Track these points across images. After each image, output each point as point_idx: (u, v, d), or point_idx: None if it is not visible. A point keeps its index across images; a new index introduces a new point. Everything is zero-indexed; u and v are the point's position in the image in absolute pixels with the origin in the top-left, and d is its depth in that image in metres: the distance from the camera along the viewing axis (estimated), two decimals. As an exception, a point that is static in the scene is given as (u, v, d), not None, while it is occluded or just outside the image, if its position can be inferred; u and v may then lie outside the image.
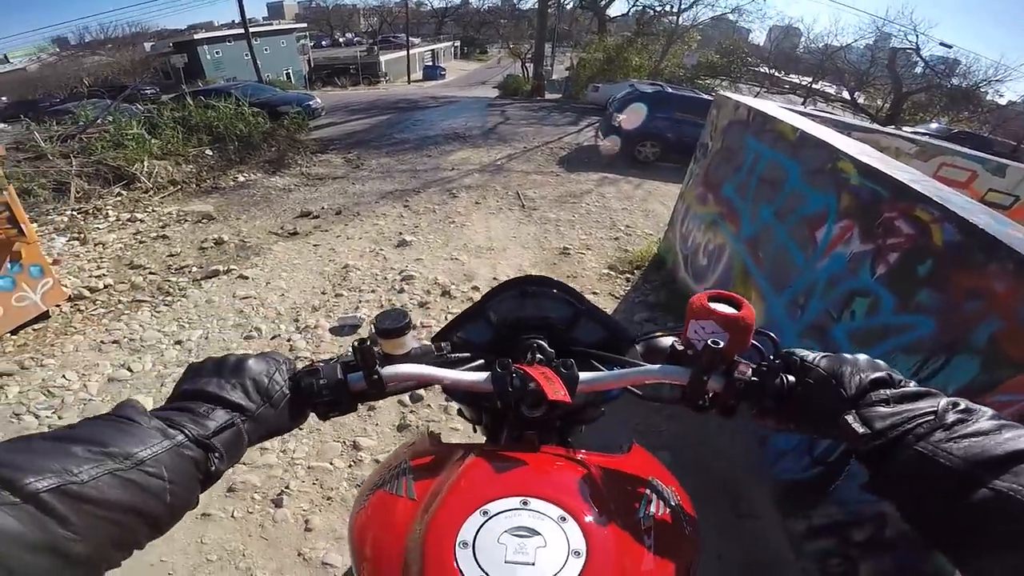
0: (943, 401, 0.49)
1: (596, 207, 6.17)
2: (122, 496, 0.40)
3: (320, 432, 2.54)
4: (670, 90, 9.98)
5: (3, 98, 22.84)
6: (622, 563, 0.50)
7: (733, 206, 3.19)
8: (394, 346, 0.66)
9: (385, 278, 4.09)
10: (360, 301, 3.74)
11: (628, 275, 4.30)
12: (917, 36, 21.56)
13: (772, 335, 0.65)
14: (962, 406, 0.49)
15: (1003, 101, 24.50)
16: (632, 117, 8.94)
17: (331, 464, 2.39)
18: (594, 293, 3.99)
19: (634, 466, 0.68)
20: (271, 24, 42.29)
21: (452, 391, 0.76)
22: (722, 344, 0.58)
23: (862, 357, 0.56)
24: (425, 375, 0.64)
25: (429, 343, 0.73)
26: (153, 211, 5.75)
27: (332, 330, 3.40)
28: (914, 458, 0.46)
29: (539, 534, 0.50)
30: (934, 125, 20.23)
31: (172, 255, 4.57)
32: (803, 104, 25.16)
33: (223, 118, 8.46)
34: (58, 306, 3.65)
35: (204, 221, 5.39)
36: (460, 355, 0.75)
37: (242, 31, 21.60)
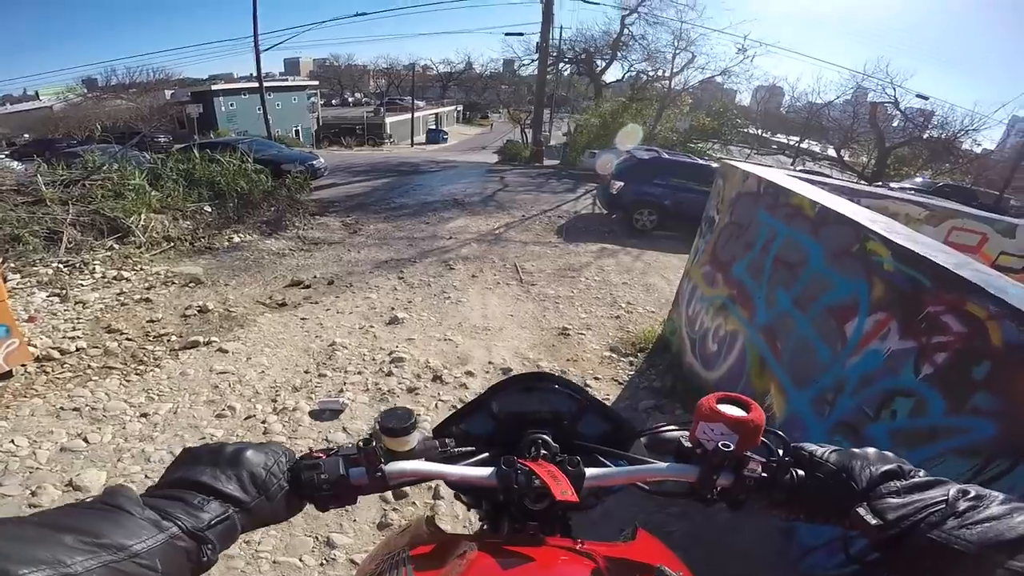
0: (953, 489, 0.51)
1: (595, 282, 6.07)
2: None
3: (290, 524, 2.27)
4: (666, 156, 10.08)
5: (25, 135, 23.21)
6: None
7: (745, 289, 2.98)
8: (398, 444, 0.65)
9: (374, 359, 3.88)
10: (345, 383, 3.51)
11: (631, 358, 4.12)
12: (895, 89, 21.96)
13: (780, 433, 0.66)
14: (972, 493, 0.50)
15: (979, 150, 24.83)
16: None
17: (300, 561, 2.15)
18: (596, 378, 3.79)
19: (640, 553, 0.66)
20: (286, 80, 44.04)
21: (455, 486, 0.76)
22: (732, 446, 0.59)
23: (871, 450, 0.59)
24: (429, 472, 0.64)
25: (431, 437, 0.73)
26: (141, 270, 5.61)
27: (312, 414, 3.16)
28: (930, 546, 0.47)
29: None
30: (919, 179, 20.55)
31: (152, 321, 4.38)
32: (792, 164, 25.94)
33: (226, 174, 8.46)
34: (23, 366, 3.44)
35: (191, 285, 5.22)
36: (463, 449, 0.74)
37: (256, 85, 22.25)
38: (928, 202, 4.18)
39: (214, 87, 31.92)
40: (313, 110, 34.22)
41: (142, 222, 6.78)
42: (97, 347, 3.85)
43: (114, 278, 5.28)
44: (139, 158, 9.04)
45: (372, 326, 4.46)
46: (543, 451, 0.71)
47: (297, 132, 34.20)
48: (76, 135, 19.49)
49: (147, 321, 4.37)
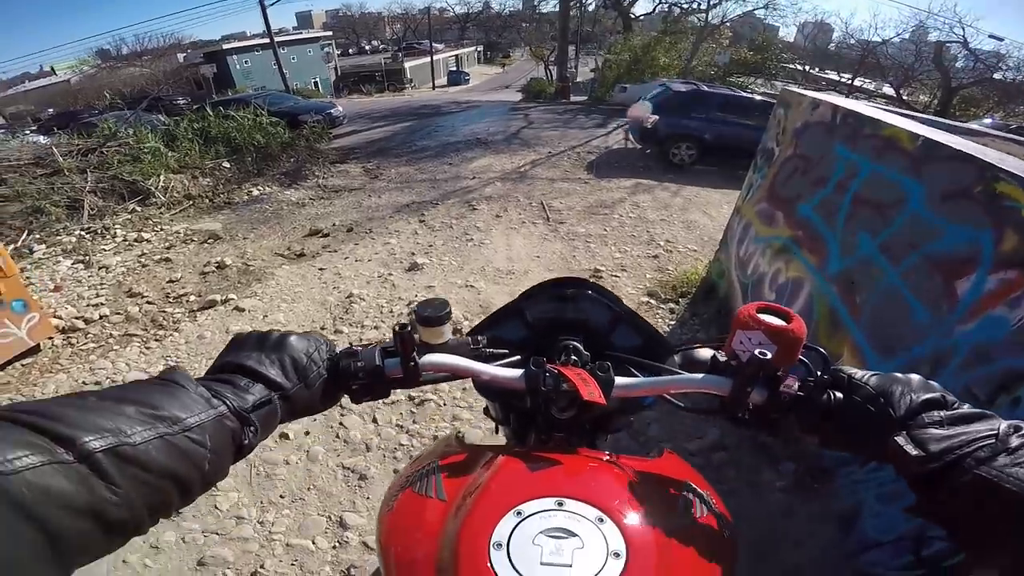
0: (1003, 424, 0.46)
1: (630, 219, 5.60)
2: (167, 461, 0.40)
3: (303, 503, 2.20)
4: (706, 88, 9.38)
5: (50, 110, 23.70)
6: (663, 565, 0.48)
7: (814, 230, 2.55)
8: (432, 335, 0.65)
9: (391, 311, 3.64)
10: (361, 339, 3.30)
11: (672, 304, 3.73)
12: (964, 29, 20.55)
13: (822, 350, 0.62)
14: None
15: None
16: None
17: (313, 543, 2.03)
18: None
19: (668, 469, 0.66)
20: (300, 33, 43.02)
21: (483, 387, 0.76)
22: (769, 356, 0.55)
23: (915, 377, 0.54)
24: (460, 367, 0.64)
25: (466, 336, 0.71)
26: (161, 230, 5.52)
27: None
28: (975, 484, 0.43)
29: (576, 535, 0.49)
30: (987, 121, 19.03)
31: (172, 281, 4.29)
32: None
33: (241, 129, 8.31)
34: (50, 338, 3.40)
35: (210, 241, 5.10)
36: (495, 351, 0.73)
37: (268, 41, 21.74)
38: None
39: (226, 46, 31.40)
40: (329, 60, 33.37)
41: (161, 183, 6.73)
42: (119, 313, 3.78)
43: (135, 240, 5.22)
44: (153, 121, 8.93)
45: (391, 274, 4.21)
46: (573, 357, 0.70)
47: (316, 84, 33.61)
48: (96, 105, 19.61)
49: (167, 282, 4.28)
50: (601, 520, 0.49)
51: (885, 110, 2.79)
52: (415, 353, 0.60)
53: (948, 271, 1.70)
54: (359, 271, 4.29)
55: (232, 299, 3.87)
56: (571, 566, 0.46)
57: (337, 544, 2.02)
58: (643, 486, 0.57)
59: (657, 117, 8.26)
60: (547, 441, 0.70)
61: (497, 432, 0.89)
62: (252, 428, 0.48)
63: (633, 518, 0.51)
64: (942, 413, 0.49)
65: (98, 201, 6.13)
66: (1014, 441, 0.44)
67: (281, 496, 2.22)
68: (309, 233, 5.20)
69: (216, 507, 2.14)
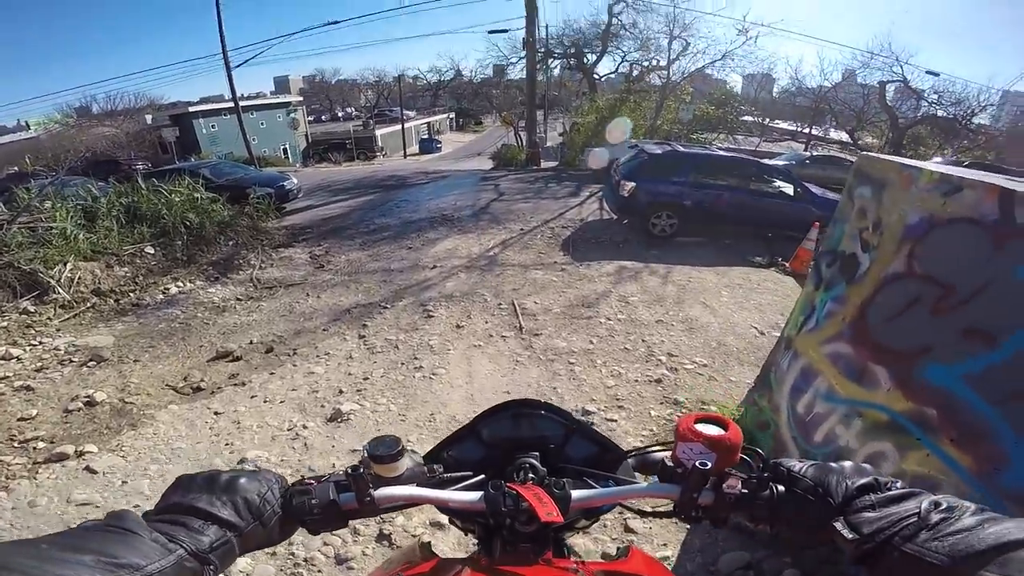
0: (926, 502, 0.50)
1: (619, 321, 4.70)
2: None
3: None
4: (681, 148, 8.86)
5: (15, 168, 22.41)
6: None
7: (969, 415, 1.53)
8: (387, 470, 0.65)
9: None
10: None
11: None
12: (902, 67, 21.31)
13: (759, 450, 0.66)
14: (944, 505, 0.49)
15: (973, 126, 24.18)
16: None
17: None
18: (629, 530, 2.36)
19: (634, 569, 0.68)
20: (276, 97, 43.07)
21: (446, 509, 0.77)
22: (709, 465, 0.59)
23: (848, 464, 0.57)
24: (418, 496, 0.64)
25: (422, 463, 0.71)
26: (39, 343, 4.41)
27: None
28: (902, 560, 0.47)
29: None
30: (938, 159, 19.59)
31: (24, 419, 3.28)
32: (806, 150, 25.26)
33: (171, 206, 7.31)
34: None
35: (92, 363, 4.00)
36: (452, 475, 0.73)
37: (234, 105, 21.15)
38: None
39: (192, 108, 30.64)
40: (295, 126, 33.11)
41: (67, 273, 5.66)
42: (-53, 462, 2.75)
43: (2, 357, 4.11)
44: (78, 194, 7.83)
45: (306, 426, 3.15)
46: (531, 475, 0.71)
47: (285, 151, 33.20)
48: (55, 166, 18.52)
49: (18, 419, 3.28)
50: None
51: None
52: (370, 488, 0.60)
53: None
54: (265, 419, 3.22)
55: (90, 452, 2.90)
56: None
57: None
58: None
59: (634, 184, 7.59)
60: (513, 552, 0.69)
61: (467, 535, 0.85)
62: (212, 567, 0.48)
63: None
64: (874, 496, 0.52)
65: (-22, 299, 5.04)
66: (934, 517, 0.47)
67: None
68: (216, 356, 4.12)
69: None
